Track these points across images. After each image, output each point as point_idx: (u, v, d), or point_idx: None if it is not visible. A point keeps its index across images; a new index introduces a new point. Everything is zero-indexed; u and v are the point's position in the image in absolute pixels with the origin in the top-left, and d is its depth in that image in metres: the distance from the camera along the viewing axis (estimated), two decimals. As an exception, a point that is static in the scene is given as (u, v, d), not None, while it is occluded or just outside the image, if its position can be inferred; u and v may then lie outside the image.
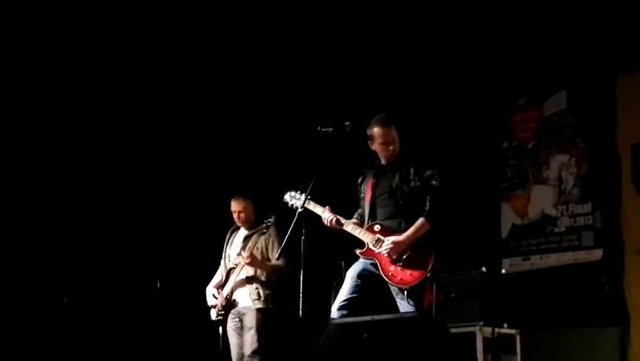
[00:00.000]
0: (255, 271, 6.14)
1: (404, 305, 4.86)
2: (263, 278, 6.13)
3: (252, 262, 6.02)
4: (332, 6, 7.35)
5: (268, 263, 6.08)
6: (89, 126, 7.93)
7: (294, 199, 5.18)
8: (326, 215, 5.07)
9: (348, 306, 4.93)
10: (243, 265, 6.07)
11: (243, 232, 6.38)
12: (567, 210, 7.16)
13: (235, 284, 6.15)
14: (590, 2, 6.74)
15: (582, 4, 6.79)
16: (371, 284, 4.98)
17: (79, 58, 7.57)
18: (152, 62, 7.89)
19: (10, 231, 7.51)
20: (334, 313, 4.94)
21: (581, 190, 7.10)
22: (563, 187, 7.23)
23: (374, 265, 4.96)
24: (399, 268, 4.86)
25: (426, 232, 4.88)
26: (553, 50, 7.10)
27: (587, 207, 7.04)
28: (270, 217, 6.09)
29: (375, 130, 5.09)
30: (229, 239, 6.43)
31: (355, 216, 5.20)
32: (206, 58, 7.93)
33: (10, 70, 7.33)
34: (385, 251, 4.87)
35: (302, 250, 4.93)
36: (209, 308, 6.27)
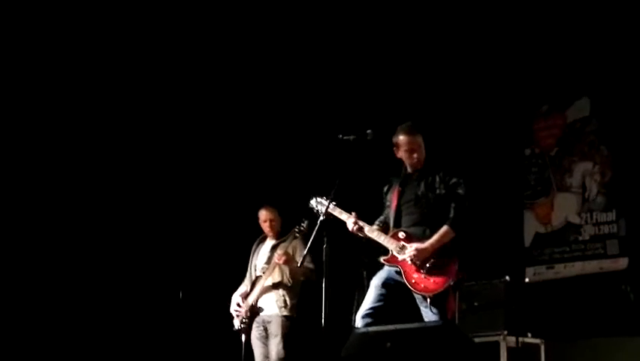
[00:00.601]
0: (282, 278, 6.15)
1: (428, 314, 4.83)
2: (289, 285, 6.14)
3: (287, 260, 6.00)
4: (356, 15, 7.34)
5: (304, 265, 6.05)
6: (113, 135, 7.96)
7: (320, 205, 5.18)
8: (351, 221, 5.06)
9: (372, 315, 4.91)
10: (273, 269, 6.06)
11: (269, 243, 6.39)
12: (591, 218, 7.09)
13: (261, 291, 6.15)
14: (614, 8, 6.68)
15: (606, 10, 6.73)
16: (396, 293, 4.96)
17: (83, 58, 7.58)
18: (174, 73, 7.93)
19: (28, 247, 7.53)
20: (358, 321, 4.92)
21: (605, 198, 7.04)
22: (586, 195, 7.17)
23: (398, 272, 4.94)
24: (422, 276, 4.83)
25: (450, 240, 4.85)
26: (576, 56, 7.06)
27: (612, 215, 6.97)
28: (303, 222, 6.07)
29: (401, 138, 5.09)
30: (255, 250, 6.45)
31: (377, 223, 5.18)
32: (229, 67, 7.95)
33: (11, 70, 7.35)
34: (409, 258, 4.85)
35: (324, 259, 4.93)
36: (231, 317, 6.27)
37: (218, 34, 7.70)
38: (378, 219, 5.21)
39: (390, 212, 5.12)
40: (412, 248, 4.86)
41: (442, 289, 4.80)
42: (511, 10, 7.05)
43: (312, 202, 5.24)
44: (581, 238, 7.12)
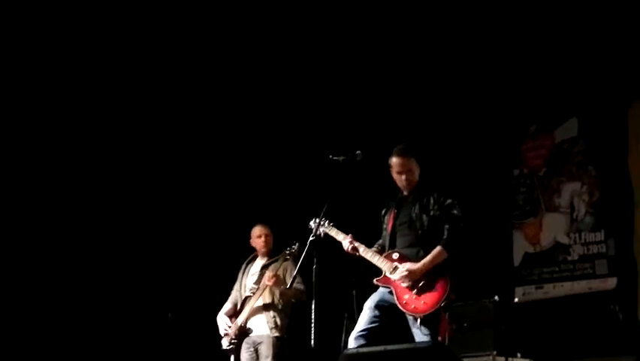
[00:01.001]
0: (273, 299, 6.12)
1: (418, 335, 4.83)
2: (280, 306, 6.12)
3: (276, 282, 5.99)
4: (347, 37, 7.38)
5: (294, 287, 6.04)
6: (97, 155, 7.94)
7: (319, 226, 5.18)
8: (347, 242, 5.08)
9: (366, 336, 4.90)
10: (263, 290, 6.04)
11: (259, 262, 6.38)
12: (580, 238, 7.12)
13: (251, 312, 6.13)
14: (602, 30, 6.75)
15: (593, 32, 6.80)
16: (389, 314, 4.96)
17: (79, 58, 7.54)
18: (162, 92, 7.94)
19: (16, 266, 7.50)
20: (352, 342, 4.91)
21: (593, 218, 7.07)
22: (575, 215, 7.20)
23: (391, 292, 4.95)
24: (413, 297, 4.83)
25: (442, 261, 4.86)
26: (564, 77, 7.11)
27: (600, 235, 7.00)
28: (294, 244, 6.08)
29: (393, 160, 5.12)
30: (245, 269, 6.43)
31: (376, 246, 5.21)
32: (220, 85, 7.96)
33: (11, 70, 7.34)
34: (400, 278, 4.85)
35: (313, 280, 4.92)
36: (220, 337, 6.24)
37: (206, 56, 7.72)
38: (377, 243, 5.24)
39: (386, 234, 5.14)
40: (403, 268, 4.87)
41: (432, 310, 4.80)
42: (499, 33, 7.10)
43: (312, 223, 5.24)
44: (569, 258, 7.14)
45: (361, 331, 4.93)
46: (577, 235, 7.14)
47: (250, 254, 6.51)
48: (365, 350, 4.70)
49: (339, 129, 7.56)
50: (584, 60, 6.95)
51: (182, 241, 8.04)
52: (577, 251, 7.11)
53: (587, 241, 7.07)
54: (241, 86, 7.97)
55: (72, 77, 7.64)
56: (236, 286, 6.44)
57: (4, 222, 7.47)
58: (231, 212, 7.88)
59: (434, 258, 4.85)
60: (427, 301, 4.79)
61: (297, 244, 6.04)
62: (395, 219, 5.11)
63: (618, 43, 6.70)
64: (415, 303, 4.82)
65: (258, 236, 6.40)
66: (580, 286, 7.01)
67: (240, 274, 6.44)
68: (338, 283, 6.25)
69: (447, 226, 4.91)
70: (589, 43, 6.86)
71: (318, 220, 5.14)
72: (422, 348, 4.52)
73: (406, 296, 4.85)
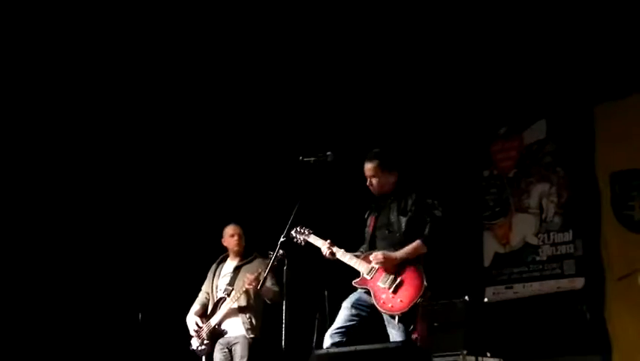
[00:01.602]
0: (248, 301, 6.12)
1: (393, 333, 4.88)
2: (255, 308, 6.13)
3: (257, 284, 5.99)
4: (316, 38, 7.39)
5: (270, 288, 6.04)
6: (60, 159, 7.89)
7: (299, 234, 5.24)
8: (325, 247, 5.11)
9: (343, 333, 4.96)
10: (241, 293, 6.03)
11: (231, 263, 6.37)
12: (548, 238, 7.19)
13: (226, 314, 6.12)
14: (569, 32, 6.83)
15: (560, 35, 6.87)
16: (366, 314, 5.01)
17: (79, 58, 7.54)
18: (134, 88, 7.91)
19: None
20: (327, 340, 4.96)
21: (561, 219, 7.14)
22: (544, 216, 7.27)
23: (368, 293, 4.99)
24: (390, 296, 4.89)
25: (418, 256, 4.88)
26: (533, 79, 7.18)
27: (568, 236, 7.08)
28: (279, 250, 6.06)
29: (364, 164, 5.14)
30: (216, 270, 6.41)
31: (360, 249, 5.24)
32: (190, 87, 7.95)
33: (11, 70, 7.31)
34: (376, 262, 4.89)
35: (284, 280, 4.95)
36: (190, 338, 6.23)
37: (180, 56, 7.70)
38: (362, 246, 5.27)
39: (367, 237, 5.18)
40: (380, 253, 4.91)
41: (408, 307, 4.85)
42: (467, 35, 7.16)
43: (293, 232, 5.25)
44: (538, 258, 7.20)
45: (338, 328, 4.98)
46: (546, 235, 7.21)
47: (219, 254, 6.50)
48: (335, 350, 4.73)
49: (310, 131, 7.57)
50: (551, 63, 7.02)
51: (152, 241, 8.01)
52: (545, 252, 7.18)
53: (556, 241, 7.14)
54: (214, 88, 7.96)
55: (68, 77, 7.61)
56: (206, 287, 6.42)
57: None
58: (200, 212, 7.86)
59: (412, 250, 4.91)
60: (403, 299, 4.85)
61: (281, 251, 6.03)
62: (375, 222, 5.17)
63: (585, 45, 6.78)
64: (391, 302, 4.88)
65: (230, 235, 6.39)
66: (548, 286, 7.08)
67: (211, 275, 6.43)
68: (309, 283, 6.27)
69: (429, 223, 4.95)
70: (556, 46, 6.94)
71: (298, 229, 5.19)
72: (393, 348, 4.56)
73: (383, 296, 4.91)
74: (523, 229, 7.35)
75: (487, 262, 7.50)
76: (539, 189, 7.32)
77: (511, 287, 7.32)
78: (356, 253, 5.17)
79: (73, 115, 7.83)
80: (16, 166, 7.63)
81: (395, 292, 4.88)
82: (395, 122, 7.61)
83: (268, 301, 6.14)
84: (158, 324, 7.29)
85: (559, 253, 7.10)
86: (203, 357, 6.18)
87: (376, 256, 4.94)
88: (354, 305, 5.04)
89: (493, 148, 7.64)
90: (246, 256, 6.34)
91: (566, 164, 7.17)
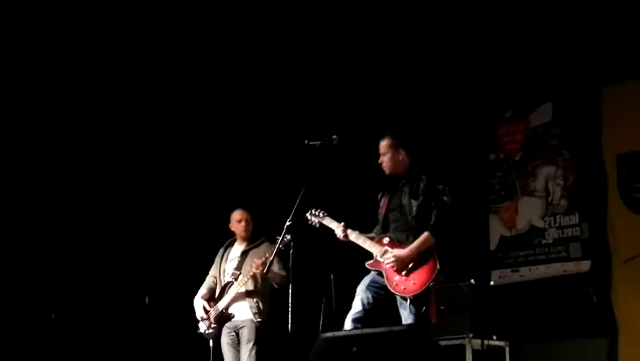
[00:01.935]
0: (256, 285, 6.13)
1: (405, 315, 4.91)
2: (263, 292, 6.14)
3: (264, 268, 5.99)
4: (324, 22, 7.37)
5: (277, 272, 6.05)
6: (66, 143, 7.90)
7: (314, 217, 5.30)
8: (339, 230, 5.15)
9: (362, 318, 4.99)
10: (249, 277, 6.04)
11: (238, 248, 6.37)
12: (554, 221, 7.18)
13: (233, 298, 6.13)
14: (575, 14, 6.79)
15: (566, 17, 6.83)
16: (381, 295, 5.05)
17: (79, 58, 7.56)
18: (135, 83, 7.91)
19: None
20: (348, 325, 4.98)
21: (568, 202, 7.13)
22: (550, 199, 7.26)
23: (381, 275, 5.01)
24: (403, 278, 4.92)
25: (430, 246, 4.92)
26: (539, 62, 7.15)
27: (575, 219, 7.07)
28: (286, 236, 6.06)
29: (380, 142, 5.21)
30: (224, 254, 6.42)
31: (374, 230, 5.26)
32: (197, 71, 7.94)
33: (10, 70, 7.33)
34: (389, 264, 4.91)
35: (290, 264, 4.95)
36: (197, 321, 6.25)
37: (183, 41, 7.69)
38: (376, 227, 5.29)
39: (380, 218, 5.21)
40: (391, 255, 4.94)
41: (421, 289, 4.88)
42: (474, 18, 7.12)
43: (307, 215, 5.29)
44: (544, 242, 7.20)
45: (357, 313, 5.03)
46: (552, 218, 7.20)
47: (227, 238, 6.51)
48: (341, 333, 4.75)
49: (317, 114, 7.56)
50: (557, 44, 6.99)
51: (159, 225, 8.03)
52: (552, 235, 7.18)
53: (562, 224, 7.13)
54: (220, 73, 7.95)
55: (67, 77, 7.62)
56: (213, 271, 6.44)
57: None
58: (208, 196, 7.87)
59: (421, 243, 4.93)
60: (415, 281, 4.89)
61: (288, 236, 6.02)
62: (388, 204, 5.19)
63: (591, 27, 6.74)
64: (404, 284, 4.91)
65: (238, 220, 6.40)
66: (554, 269, 7.07)
67: (218, 259, 6.44)
68: (316, 267, 6.28)
69: (435, 212, 4.98)
70: (562, 28, 6.90)
71: (313, 211, 5.20)
72: (399, 331, 4.57)
73: (396, 278, 4.95)
74: (529, 212, 7.34)
75: (493, 246, 7.50)
76: (545, 172, 7.31)
77: (517, 270, 7.32)
78: (370, 235, 5.19)
79: (77, 101, 7.83)
80: (28, 152, 7.67)
81: (408, 274, 4.91)
82: (401, 106, 7.59)
83: (275, 286, 6.15)
84: (167, 308, 7.32)
85: (565, 236, 7.10)
86: (211, 341, 6.20)
87: (387, 258, 4.96)
88: (368, 288, 5.09)
89: (499, 131, 7.62)
90: (253, 240, 6.34)
91: (573, 147, 7.15)
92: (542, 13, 6.87)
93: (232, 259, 6.36)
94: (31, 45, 7.27)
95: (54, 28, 7.21)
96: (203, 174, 8.14)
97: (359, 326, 4.95)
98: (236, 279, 6.16)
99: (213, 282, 6.41)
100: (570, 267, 6.99)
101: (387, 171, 5.21)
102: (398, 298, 4.98)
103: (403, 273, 4.91)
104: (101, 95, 7.92)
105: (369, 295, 5.05)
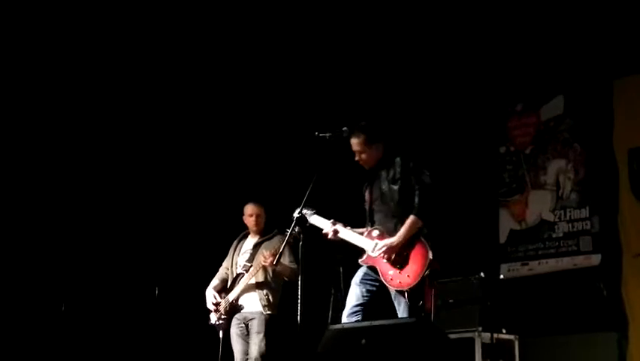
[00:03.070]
0: (266, 278, 6.14)
1: (401, 309, 4.89)
2: (273, 285, 6.14)
3: (273, 260, 5.98)
4: (333, 15, 7.36)
5: (287, 265, 6.05)
6: (86, 131, 7.93)
7: (303, 215, 5.21)
8: (329, 227, 5.12)
9: (359, 312, 4.99)
10: (258, 269, 6.05)
11: (251, 240, 6.38)
12: (565, 215, 7.16)
13: (243, 289, 6.14)
14: (586, 7, 6.75)
15: (578, 9, 6.80)
16: (375, 288, 5.03)
17: (79, 58, 7.57)
18: (156, 72, 7.93)
19: (7, 239, 7.50)
20: (345, 320, 4.96)
21: (578, 195, 7.10)
22: (560, 192, 7.23)
23: (374, 270, 4.99)
24: (397, 272, 4.88)
25: (419, 229, 4.88)
26: (550, 54, 7.12)
27: (585, 212, 7.04)
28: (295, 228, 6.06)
29: (351, 140, 5.13)
30: (237, 246, 6.43)
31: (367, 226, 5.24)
32: (208, 67, 7.96)
33: (10, 70, 7.34)
34: (381, 255, 4.89)
35: (299, 257, 4.95)
36: (208, 312, 6.27)
37: (196, 36, 7.69)
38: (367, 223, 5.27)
39: (367, 212, 5.18)
40: (382, 245, 4.91)
41: (417, 281, 4.84)
42: (486, 10, 7.09)
43: (295, 214, 5.22)
44: (554, 235, 7.18)
45: (353, 307, 5.00)
46: (562, 212, 7.18)
47: (241, 230, 6.51)
48: (350, 325, 4.75)
49: (326, 106, 7.56)
50: (569, 38, 6.95)
51: (170, 216, 8.05)
52: (562, 228, 7.15)
53: (572, 218, 7.11)
54: (230, 68, 7.96)
55: (68, 77, 7.63)
56: (226, 263, 6.45)
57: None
58: (222, 188, 7.88)
59: (409, 228, 4.89)
60: (410, 274, 4.85)
61: (297, 228, 6.00)
62: (371, 195, 5.16)
63: (603, 20, 6.70)
64: (399, 278, 4.88)
65: (249, 215, 6.40)
66: (564, 263, 7.05)
67: (232, 251, 6.45)
68: (324, 259, 6.27)
69: (417, 193, 4.93)
70: (574, 21, 6.86)
71: (303, 210, 5.15)
72: (408, 323, 4.56)
73: (391, 272, 4.91)
74: (539, 205, 7.32)
75: (502, 239, 7.48)
76: (556, 165, 7.28)
77: (527, 264, 7.30)
78: (360, 230, 5.16)
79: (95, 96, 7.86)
80: (45, 147, 7.72)
81: (402, 268, 4.88)
82: (412, 99, 7.57)
83: (286, 279, 6.15)
84: (176, 299, 7.34)
85: (575, 229, 7.07)
86: (220, 331, 6.21)
87: (378, 250, 4.93)
88: (362, 281, 5.06)
89: (510, 124, 7.60)
90: (266, 233, 6.34)
91: (584, 140, 7.12)
92: (554, 5, 6.84)
93: (245, 252, 6.37)
94: (31, 45, 7.29)
95: (54, 28, 7.22)
96: (216, 166, 8.15)
97: (357, 320, 4.93)
98: (247, 271, 6.17)
99: (226, 273, 6.43)
100: (580, 261, 6.96)
101: (367, 167, 5.17)
102: (393, 292, 4.95)
103: (397, 266, 4.87)
104: (117, 91, 7.94)
105: (364, 289, 5.04)
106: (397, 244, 4.88)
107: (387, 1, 7.18)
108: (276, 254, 5.65)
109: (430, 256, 4.82)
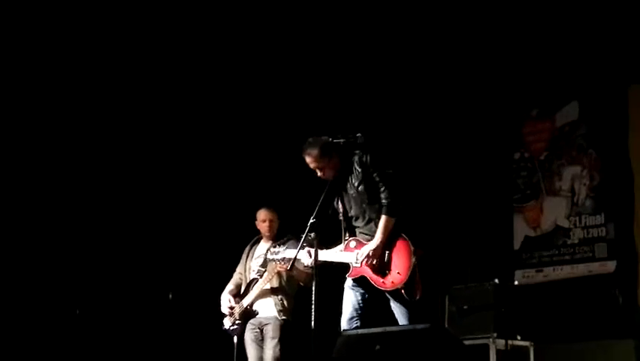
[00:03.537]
0: (280, 283, 6.14)
1: (397, 310, 4.88)
2: (287, 290, 6.14)
3: (289, 266, 5.97)
4: (345, 19, 7.36)
5: (302, 270, 6.04)
6: (99, 133, 7.96)
7: (274, 254, 5.41)
8: (305, 257, 5.11)
9: (358, 317, 4.97)
10: (273, 274, 6.04)
11: (264, 245, 6.38)
12: (580, 221, 7.13)
13: (258, 295, 6.14)
14: (602, 13, 6.73)
15: (593, 15, 6.78)
16: (368, 291, 5.00)
17: (80, 58, 7.59)
18: (167, 74, 7.96)
19: (20, 244, 7.55)
20: (345, 326, 4.95)
21: (593, 201, 7.08)
22: (575, 199, 7.21)
23: (364, 279, 4.98)
24: (387, 273, 4.87)
25: (393, 226, 4.86)
26: (565, 60, 7.10)
27: (600, 219, 7.01)
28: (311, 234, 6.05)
29: (305, 158, 5.10)
30: (250, 251, 6.43)
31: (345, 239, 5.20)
32: (221, 69, 7.97)
33: (11, 70, 7.36)
34: (365, 263, 4.89)
35: (314, 263, 4.94)
36: (222, 317, 6.27)
37: (209, 40, 7.72)
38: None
39: (342, 223, 5.14)
40: (362, 254, 4.90)
41: (408, 274, 4.81)
42: (501, 16, 7.09)
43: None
44: (569, 242, 7.15)
45: (351, 314, 5.00)
46: (577, 218, 7.15)
47: (254, 235, 6.52)
48: (364, 331, 4.73)
49: (340, 112, 7.56)
50: (584, 43, 6.94)
51: (184, 221, 8.06)
52: (577, 235, 7.13)
53: (587, 224, 7.08)
54: (242, 72, 7.98)
55: (71, 77, 7.65)
56: (240, 268, 6.45)
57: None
58: (236, 192, 7.89)
59: (384, 228, 4.87)
60: (400, 270, 4.83)
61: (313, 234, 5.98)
62: (343, 205, 5.11)
63: (618, 25, 6.68)
64: (391, 278, 4.87)
65: (262, 220, 6.39)
66: (579, 270, 7.03)
67: (245, 256, 6.45)
68: (339, 265, 6.27)
69: (381, 190, 4.90)
70: (589, 27, 6.85)
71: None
72: (423, 330, 4.54)
73: (381, 276, 4.89)
74: (554, 211, 7.30)
75: (517, 245, 7.46)
76: (571, 171, 7.26)
77: (542, 270, 7.28)
78: (339, 247, 5.11)
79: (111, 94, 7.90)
80: (60, 147, 7.75)
81: (389, 267, 4.86)
82: (426, 105, 7.57)
83: (301, 284, 6.14)
84: (190, 304, 7.35)
85: (590, 236, 7.05)
86: (235, 337, 6.21)
87: (360, 260, 4.90)
88: (354, 287, 5.05)
89: (525, 130, 7.59)
90: (279, 238, 6.33)
91: (599, 146, 7.10)
92: (570, 11, 6.82)
93: (258, 257, 6.36)
94: (32, 45, 7.31)
95: (54, 28, 7.25)
96: (230, 170, 8.16)
97: (357, 326, 4.92)
98: (261, 276, 6.17)
99: (240, 278, 6.42)
100: (595, 267, 6.94)
101: (330, 179, 5.08)
102: (388, 294, 4.92)
103: (386, 268, 4.83)
104: (131, 91, 7.97)
105: (357, 294, 5.02)
106: (377, 247, 4.87)
107: (404, 6, 7.16)
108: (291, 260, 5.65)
109: (412, 247, 4.81)
